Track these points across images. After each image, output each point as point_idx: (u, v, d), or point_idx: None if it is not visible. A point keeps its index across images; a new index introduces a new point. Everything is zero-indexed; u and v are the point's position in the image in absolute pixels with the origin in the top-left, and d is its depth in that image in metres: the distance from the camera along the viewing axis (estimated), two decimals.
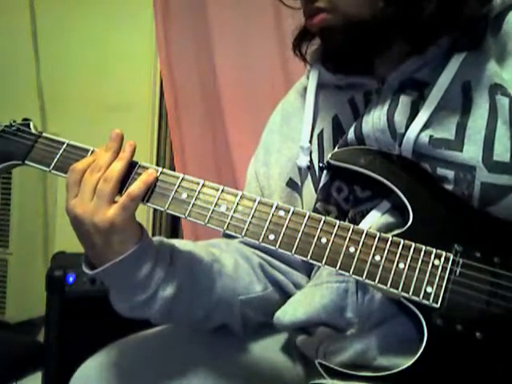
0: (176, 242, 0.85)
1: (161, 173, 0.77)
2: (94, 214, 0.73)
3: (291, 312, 0.85)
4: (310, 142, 0.86)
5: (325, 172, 0.82)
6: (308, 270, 0.92)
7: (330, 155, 0.79)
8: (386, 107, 0.78)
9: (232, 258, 0.89)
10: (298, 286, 0.92)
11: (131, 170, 0.77)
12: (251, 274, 0.90)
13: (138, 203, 0.75)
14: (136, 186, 0.75)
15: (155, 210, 2.11)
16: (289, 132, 0.92)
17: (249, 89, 1.97)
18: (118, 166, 0.75)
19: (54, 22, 2.34)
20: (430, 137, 0.74)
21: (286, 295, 0.91)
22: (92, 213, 0.73)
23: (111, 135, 0.78)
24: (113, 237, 0.74)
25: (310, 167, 0.86)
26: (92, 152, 0.80)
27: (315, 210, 0.82)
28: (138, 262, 0.76)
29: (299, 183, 0.89)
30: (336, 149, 0.81)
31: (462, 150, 0.73)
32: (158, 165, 2.23)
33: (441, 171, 0.74)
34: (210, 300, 0.84)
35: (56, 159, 0.80)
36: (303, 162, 0.86)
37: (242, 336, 0.90)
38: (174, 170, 2.06)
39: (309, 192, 0.86)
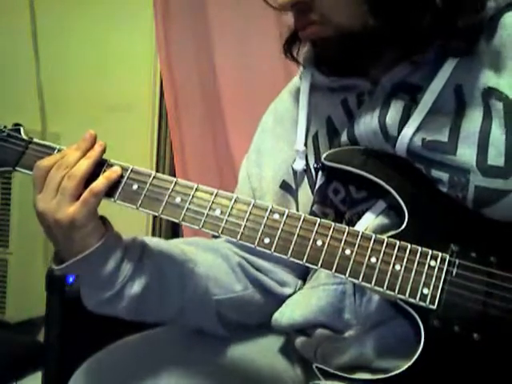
0: (149, 240, 0.85)
1: (154, 177, 0.77)
2: (56, 210, 0.73)
3: (289, 314, 0.85)
4: (306, 144, 0.86)
5: (320, 173, 0.81)
6: (301, 271, 0.91)
7: (323, 156, 0.78)
8: (378, 109, 0.78)
9: (208, 257, 0.89)
10: (284, 284, 0.91)
11: (100, 168, 0.77)
12: (229, 274, 0.89)
13: (100, 199, 0.75)
14: (99, 182, 0.75)
15: None
16: (282, 133, 0.92)
17: (249, 89, 1.97)
18: (84, 164, 0.75)
19: (54, 22, 2.34)
20: (423, 139, 0.74)
21: (270, 295, 0.90)
22: (54, 209, 0.73)
23: (85, 135, 0.78)
24: (74, 233, 0.74)
25: (307, 170, 0.86)
26: (58, 150, 0.80)
27: (312, 213, 0.82)
28: (102, 258, 0.77)
29: (294, 186, 0.88)
30: (331, 150, 0.80)
31: (455, 153, 0.73)
32: (157, 165, 2.24)
33: (435, 173, 0.74)
34: (181, 299, 0.84)
35: None
36: (299, 165, 0.86)
37: (225, 336, 0.89)
38: (174, 169, 2.07)
39: (305, 195, 0.86)
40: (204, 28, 2.03)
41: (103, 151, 0.78)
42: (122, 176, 0.77)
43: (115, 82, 2.26)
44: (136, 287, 0.79)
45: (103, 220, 0.78)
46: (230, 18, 1.99)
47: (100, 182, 0.75)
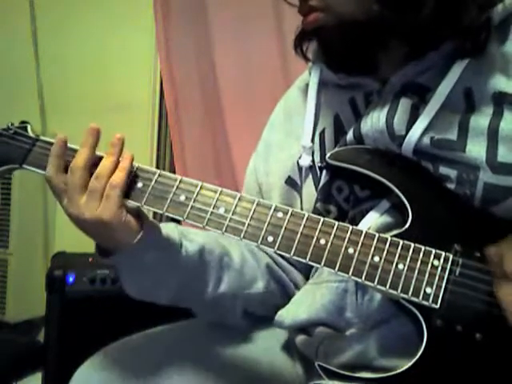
0: (188, 230, 0.86)
1: (159, 175, 0.77)
2: (85, 210, 0.74)
3: (293, 311, 0.86)
4: (312, 141, 0.86)
5: (324, 172, 0.81)
6: (306, 270, 0.92)
7: (328, 155, 0.78)
8: (386, 109, 0.78)
9: (239, 251, 0.91)
10: (297, 286, 0.93)
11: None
12: (256, 270, 0.91)
13: (122, 191, 0.75)
14: (115, 175, 0.75)
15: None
16: (291, 129, 0.92)
17: (249, 89, 1.97)
18: (120, 177, 0.76)
19: (54, 21, 2.34)
20: (432, 138, 0.74)
21: (286, 295, 0.92)
22: (83, 209, 0.74)
23: (113, 140, 0.79)
24: (109, 231, 0.75)
25: (312, 167, 0.86)
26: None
27: (315, 210, 0.82)
28: (142, 251, 0.78)
29: (299, 182, 0.89)
30: (336, 149, 0.81)
31: (464, 151, 0.73)
32: (157, 165, 2.24)
33: (443, 170, 0.74)
34: (217, 291, 0.86)
35: None
36: (305, 161, 0.86)
37: (243, 329, 0.92)
38: (174, 169, 2.07)
39: (309, 191, 0.86)
40: (204, 28, 2.03)
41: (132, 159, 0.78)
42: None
43: (115, 82, 2.26)
44: (176, 277, 0.82)
45: (138, 212, 0.79)
46: (230, 17, 1.99)
47: (116, 175, 0.75)
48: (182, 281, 0.83)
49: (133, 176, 0.77)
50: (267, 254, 0.94)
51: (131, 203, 0.77)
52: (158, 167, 2.24)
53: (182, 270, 0.82)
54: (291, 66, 1.82)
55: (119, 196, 0.74)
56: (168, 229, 0.83)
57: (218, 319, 0.91)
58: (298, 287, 0.93)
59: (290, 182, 0.89)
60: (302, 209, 0.86)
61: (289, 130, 0.93)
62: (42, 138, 0.83)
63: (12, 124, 0.84)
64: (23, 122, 0.85)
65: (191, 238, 0.85)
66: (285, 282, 0.93)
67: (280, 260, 0.94)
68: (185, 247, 0.83)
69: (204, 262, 0.85)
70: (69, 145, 0.79)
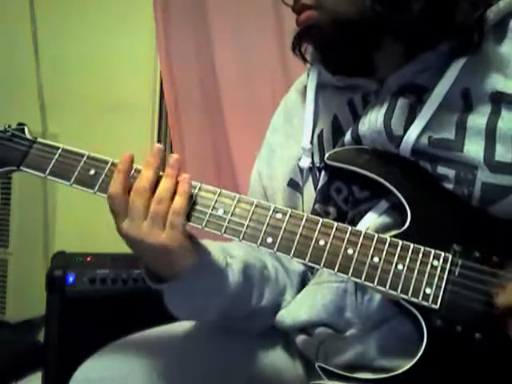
0: (227, 245, 0.86)
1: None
2: (148, 235, 0.72)
3: (294, 311, 0.86)
4: (312, 142, 0.86)
5: (323, 173, 0.82)
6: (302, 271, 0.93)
7: (326, 155, 0.79)
8: (383, 109, 0.78)
9: (272, 261, 0.92)
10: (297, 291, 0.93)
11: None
12: (286, 279, 0.92)
13: (185, 216, 0.73)
14: (176, 201, 0.73)
15: None
16: (291, 131, 0.93)
17: (249, 89, 1.98)
18: (181, 202, 0.73)
19: (54, 21, 2.34)
20: (429, 138, 0.74)
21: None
22: (146, 234, 0.72)
23: (153, 150, 0.76)
24: (167, 257, 0.73)
25: (312, 168, 0.86)
26: (62, 150, 0.79)
27: (314, 211, 0.82)
28: (197, 276, 0.76)
29: (300, 183, 0.89)
30: (334, 150, 0.81)
31: (462, 150, 0.73)
32: None
33: (441, 170, 0.74)
34: (258, 305, 0.87)
35: (51, 165, 0.79)
36: (305, 163, 0.86)
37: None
38: None
39: (310, 193, 0.86)
40: (204, 28, 2.03)
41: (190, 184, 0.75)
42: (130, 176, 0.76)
43: (115, 82, 2.26)
44: (223, 297, 0.81)
45: (193, 239, 0.77)
46: (230, 17, 1.99)
47: (177, 201, 0.73)
48: (229, 301, 0.83)
49: (131, 178, 0.75)
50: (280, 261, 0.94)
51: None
52: None
53: (229, 290, 0.82)
54: (291, 66, 1.82)
55: (183, 224, 0.72)
56: (211, 247, 0.81)
57: (250, 329, 0.91)
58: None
59: (292, 184, 0.90)
60: (303, 210, 0.86)
61: (289, 133, 0.93)
62: (40, 140, 0.83)
63: (9, 126, 0.84)
64: (20, 124, 0.85)
65: (234, 254, 0.85)
66: (296, 290, 0.93)
67: (287, 265, 0.94)
68: (230, 266, 0.82)
69: (247, 279, 0.84)
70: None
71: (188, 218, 0.74)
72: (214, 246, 0.82)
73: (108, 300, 1.61)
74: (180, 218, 0.72)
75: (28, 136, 0.83)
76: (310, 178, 0.86)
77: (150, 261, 0.76)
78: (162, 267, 0.76)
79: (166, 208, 0.72)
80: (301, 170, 0.88)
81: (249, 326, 0.91)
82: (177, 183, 0.74)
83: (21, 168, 0.81)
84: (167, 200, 0.72)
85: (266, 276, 0.89)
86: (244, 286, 0.84)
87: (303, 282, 0.93)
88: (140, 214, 0.72)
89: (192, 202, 0.74)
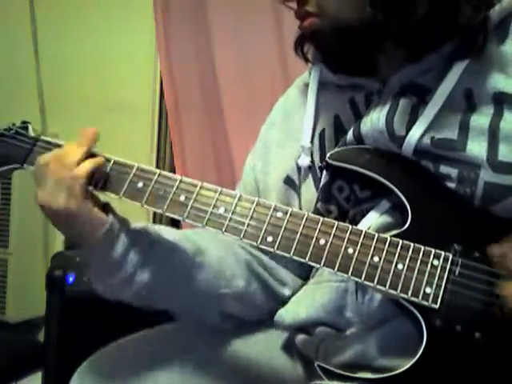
0: (161, 228, 0.85)
1: (159, 175, 0.77)
2: (52, 201, 0.75)
3: (293, 310, 0.86)
4: (312, 141, 0.86)
5: (325, 172, 0.82)
6: (301, 270, 0.92)
7: (328, 155, 0.79)
8: (385, 109, 0.78)
9: (218, 250, 0.88)
10: (285, 284, 0.92)
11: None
12: (235, 269, 0.89)
13: (85, 185, 0.75)
14: (79, 168, 0.76)
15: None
16: (290, 129, 0.92)
17: (249, 89, 1.98)
18: (86, 166, 0.76)
19: (54, 21, 2.34)
20: (432, 138, 0.74)
21: (270, 293, 0.91)
22: (50, 200, 0.75)
23: (87, 132, 0.80)
24: (73, 222, 0.75)
25: (312, 167, 0.86)
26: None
27: (316, 210, 0.82)
28: (107, 245, 0.77)
29: (297, 182, 0.89)
30: (336, 149, 0.81)
31: (465, 150, 0.73)
32: (157, 165, 2.24)
33: (444, 169, 0.74)
34: (188, 290, 0.84)
35: None
36: (304, 161, 0.86)
37: (225, 330, 0.90)
38: (174, 169, 2.07)
39: (309, 191, 0.86)
40: (204, 28, 2.03)
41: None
42: (128, 174, 0.78)
43: (115, 82, 2.26)
44: (145, 274, 0.80)
45: (105, 206, 0.79)
46: (230, 17, 1.99)
47: (80, 167, 0.76)
48: (152, 279, 0.81)
49: (133, 175, 0.77)
50: (248, 251, 0.91)
51: (132, 203, 0.77)
52: (158, 167, 2.24)
53: (152, 266, 0.81)
54: (291, 66, 1.82)
55: (83, 189, 0.75)
56: (139, 224, 0.82)
57: (193, 320, 0.90)
58: (286, 286, 0.91)
59: (288, 181, 0.89)
60: (300, 208, 0.86)
61: (288, 130, 0.93)
62: (43, 137, 0.84)
63: (13, 124, 0.85)
64: (24, 122, 0.85)
65: (162, 236, 0.84)
66: (266, 280, 0.91)
67: (263, 258, 0.92)
68: (158, 242, 0.82)
69: (172, 262, 0.83)
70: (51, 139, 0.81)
71: (187, 216, 0.74)
72: (142, 224, 0.83)
73: (108, 300, 1.61)
74: (78, 182, 0.74)
75: (32, 134, 0.84)
76: (310, 177, 0.86)
77: (63, 230, 0.78)
78: (76, 238, 0.78)
79: (69, 174, 0.75)
80: (299, 168, 0.88)
81: (186, 315, 0.89)
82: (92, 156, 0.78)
83: (24, 166, 0.82)
84: (72, 166, 0.75)
85: (200, 262, 0.85)
86: (170, 264, 0.83)
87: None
88: (47, 179, 0.75)
89: (106, 174, 0.78)
